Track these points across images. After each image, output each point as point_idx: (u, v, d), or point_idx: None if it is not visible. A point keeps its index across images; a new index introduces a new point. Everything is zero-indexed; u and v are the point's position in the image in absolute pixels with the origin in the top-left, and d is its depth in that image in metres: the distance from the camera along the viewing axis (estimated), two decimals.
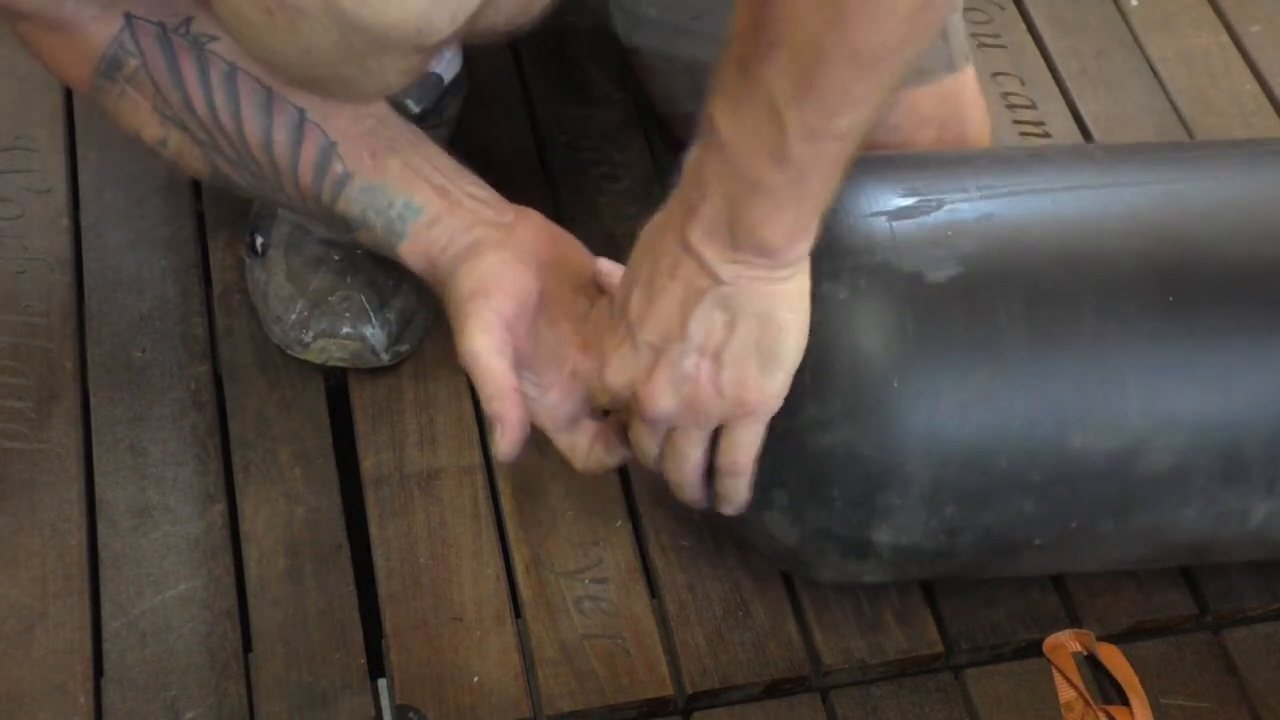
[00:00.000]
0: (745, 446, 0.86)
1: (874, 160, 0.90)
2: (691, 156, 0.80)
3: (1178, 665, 0.97)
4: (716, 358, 0.83)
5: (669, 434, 0.87)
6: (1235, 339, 0.86)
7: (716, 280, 0.81)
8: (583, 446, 0.93)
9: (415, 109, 1.07)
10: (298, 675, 0.93)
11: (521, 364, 0.90)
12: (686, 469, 0.88)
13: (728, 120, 0.77)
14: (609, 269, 0.94)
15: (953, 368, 0.83)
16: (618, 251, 1.13)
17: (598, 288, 0.94)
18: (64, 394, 1.04)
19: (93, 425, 1.03)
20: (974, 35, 1.29)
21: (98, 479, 1.01)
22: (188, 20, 0.89)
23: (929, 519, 0.86)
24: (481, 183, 0.95)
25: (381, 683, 0.95)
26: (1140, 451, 0.85)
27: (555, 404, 0.92)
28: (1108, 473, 0.85)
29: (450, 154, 1.12)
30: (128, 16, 0.88)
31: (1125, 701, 0.94)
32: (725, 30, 0.76)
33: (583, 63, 1.25)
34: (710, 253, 0.80)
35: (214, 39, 0.89)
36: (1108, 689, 0.96)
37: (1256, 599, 0.99)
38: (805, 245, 0.80)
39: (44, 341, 1.06)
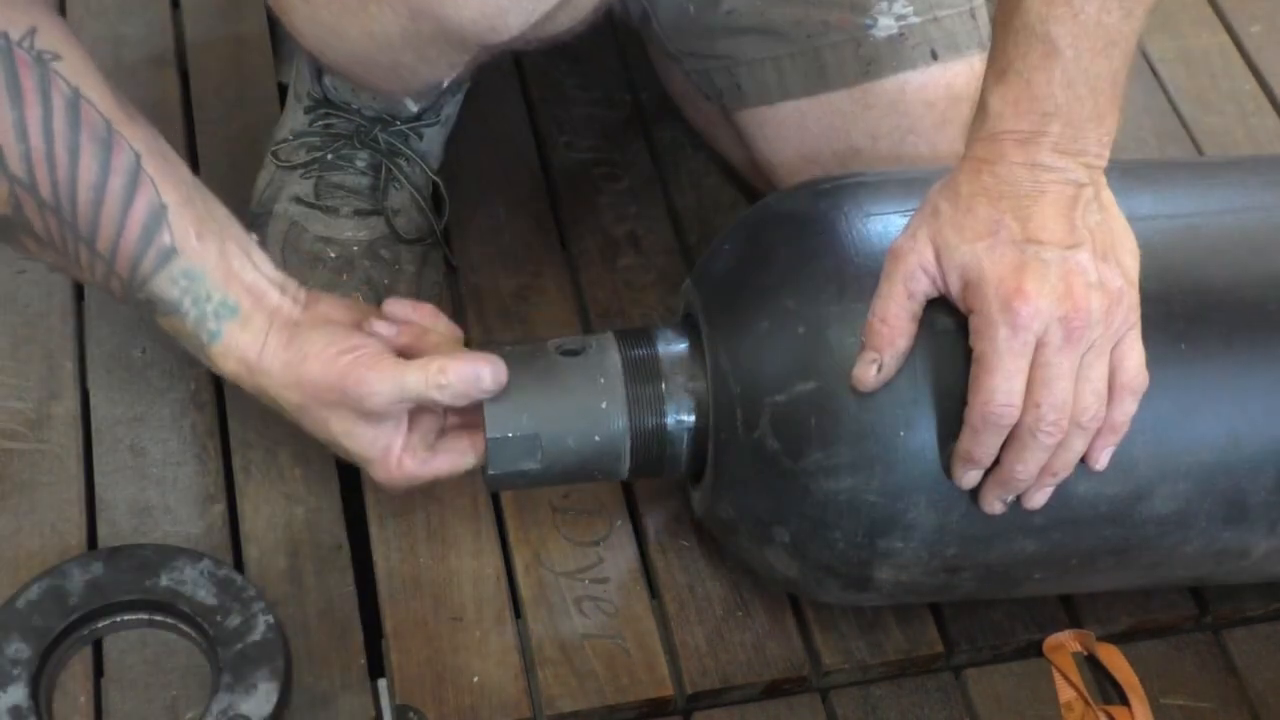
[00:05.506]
0: (1141, 354, 0.81)
1: (885, 189, 0.89)
2: (997, 94, 0.80)
3: (1178, 665, 0.97)
4: (1104, 257, 0.80)
5: (1039, 365, 0.79)
6: (1245, 385, 0.85)
7: (1080, 184, 0.80)
8: (394, 449, 0.89)
9: (414, 108, 1.07)
10: (298, 675, 0.93)
11: None
12: (1068, 400, 0.79)
13: (1067, 27, 0.78)
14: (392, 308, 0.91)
15: (960, 417, 0.81)
16: (617, 252, 1.14)
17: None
18: (64, 394, 1.04)
19: (93, 425, 1.03)
20: None
21: (98, 479, 1.01)
22: (32, 32, 0.81)
23: (930, 559, 0.86)
24: (265, 256, 0.90)
25: (381, 683, 0.95)
26: (1144, 496, 0.85)
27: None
28: (1110, 516, 0.85)
29: (446, 153, 1.12)
30: None
31: (1125, 701, 0.94)
32: None
33: (582, 62, 1.25)
34: (1064, 162, 0.79)
35: (58, 58, 0.82)
36: (1108, 689, 0.96)
37: (1256, 599, 0.99)
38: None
39: (44, 341, 1.06)
